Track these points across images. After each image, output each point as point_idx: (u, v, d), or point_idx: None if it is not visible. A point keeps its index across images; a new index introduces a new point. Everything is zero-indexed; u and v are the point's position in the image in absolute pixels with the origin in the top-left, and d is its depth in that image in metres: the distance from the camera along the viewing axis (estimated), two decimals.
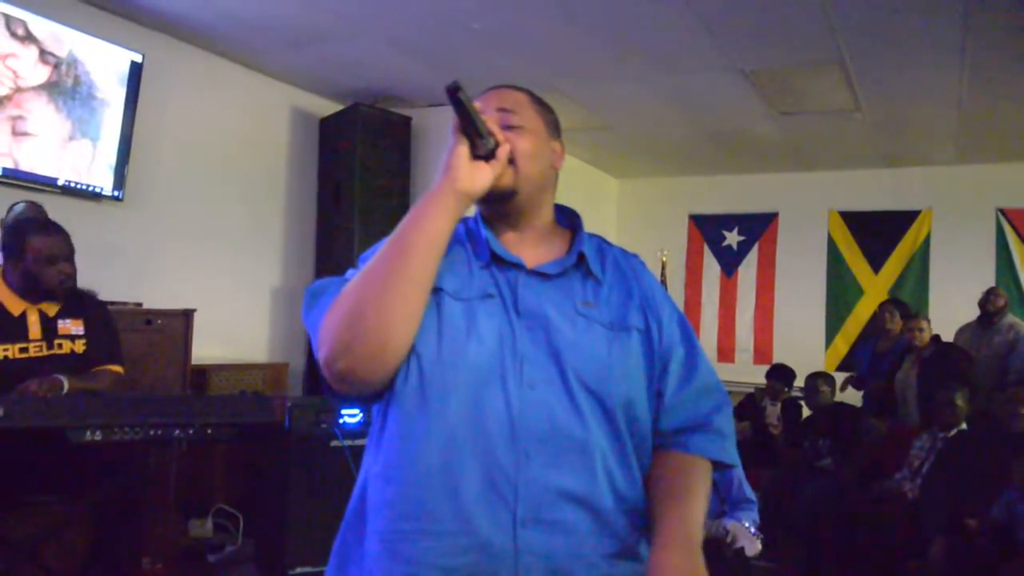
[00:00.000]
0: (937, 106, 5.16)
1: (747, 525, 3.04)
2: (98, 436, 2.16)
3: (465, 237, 1.21)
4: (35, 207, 3.37)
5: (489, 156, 1.13)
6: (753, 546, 3.01)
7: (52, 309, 2.72)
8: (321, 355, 1.07)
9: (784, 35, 4.12)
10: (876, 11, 3.76)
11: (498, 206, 1.20)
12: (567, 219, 1.31)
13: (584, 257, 1.21)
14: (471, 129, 1.11)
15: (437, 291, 1.12)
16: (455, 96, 1.09)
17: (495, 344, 1.10)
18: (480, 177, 1.12)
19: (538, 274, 1.18)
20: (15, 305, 2.66)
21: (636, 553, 1.13)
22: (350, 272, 1.19)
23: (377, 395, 1.13)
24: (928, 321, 4.92)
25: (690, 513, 1.11)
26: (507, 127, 1.18)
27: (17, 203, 3.41)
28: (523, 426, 1.06)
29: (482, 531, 1.04)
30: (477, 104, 1.17)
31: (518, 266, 1.17)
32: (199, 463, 3.76)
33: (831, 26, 3.95)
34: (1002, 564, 3.04)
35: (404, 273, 1.06)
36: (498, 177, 1.14)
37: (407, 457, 1.07)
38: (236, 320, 4.93)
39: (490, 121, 1.15)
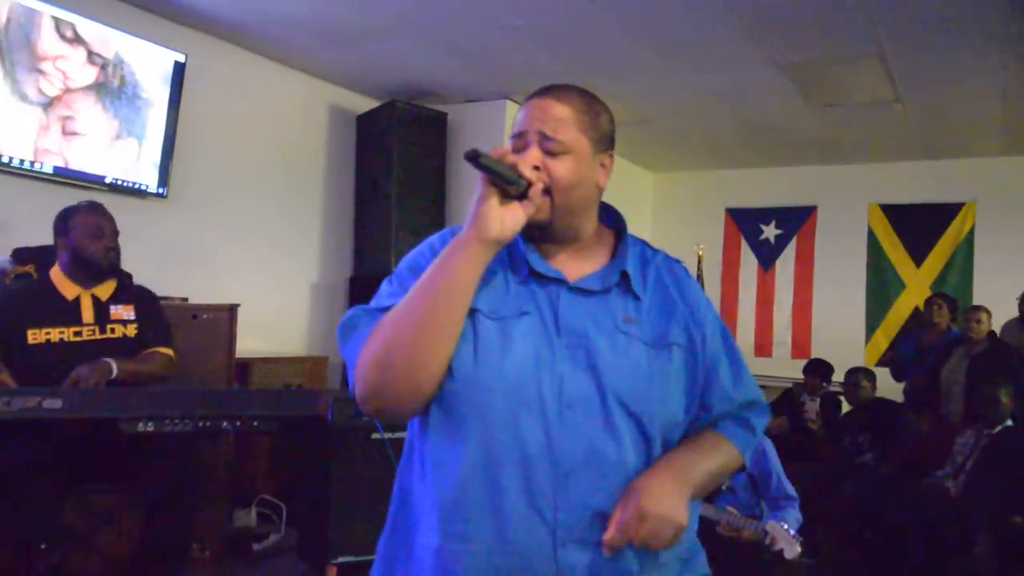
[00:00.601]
0: (980, 96, 5.05)
1: (786, 527, 3.01)
2: (150, 427, 2.24)
3: (504, 251, 1.17)
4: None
5: (522, 196, 1.12)
6: (792, 549, 2.98)
7: (104, 293, 2.82)
8: (356, 393, 1.10)
9: (822, 27, 4.08)
10: (916, 1, 3.71)
11: (534, 232, 1.19)
12: (612, 220, 1.29)
13: (627, 276, 1.20)
14: (499, 182, 1.10)
15: (472, 312, 1.12)
16: (476, 163, 1.08)
17: (532, 363, 1.10)
18: (511, 219, 1.10)
19: (579, 290, 1.17)
20: (69, 290, 2.77)
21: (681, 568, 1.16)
22: (383, 288, 1.19)
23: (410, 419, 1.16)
24: (988, 313, 4.82)
25: (695, 460, 1.14)
26: (548, 153, 1.15)
27: (74, 211, 3.51)
28: (561, 448, 1.08)
29: (524, 550, 1.06)
30: (516, 121, 1.18)
31: (559, 281, 1.17)
32: (243, 455, 3.85)
33: (870, 17, 3.90)
34: None
35: (433, 322, 1.07)
36: (538, 210, 1.13)
37: (447, 479, 1.09)
38: (276, 314, 5.01)
39: (523, 160, 1.13)
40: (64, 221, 2.80)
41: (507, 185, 1.10)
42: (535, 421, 1.08)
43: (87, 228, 2.77)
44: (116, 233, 2.86)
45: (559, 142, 1.15)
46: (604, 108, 1.26)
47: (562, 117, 1.17)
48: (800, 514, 3.18)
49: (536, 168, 1.13)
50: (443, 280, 1.08)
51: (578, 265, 1.20)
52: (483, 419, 1.09)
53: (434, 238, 1.24)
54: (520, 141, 1.16)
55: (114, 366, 2.59)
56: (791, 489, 3.25)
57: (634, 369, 1.13)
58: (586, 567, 1.06)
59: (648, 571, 1.12)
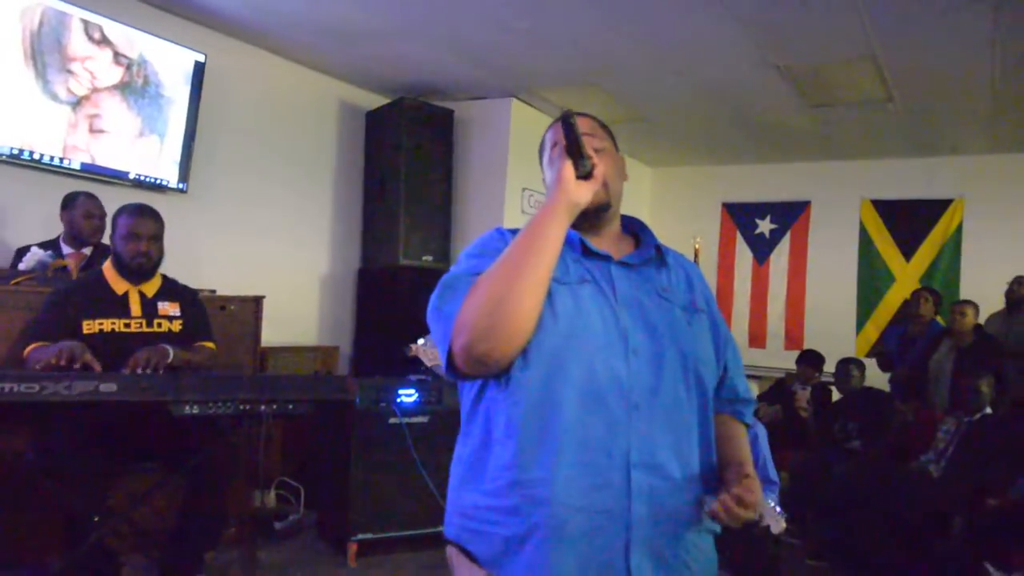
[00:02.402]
0: (969, 96, 5.23)
1: (772, 504, 3.25)
2: (196, 410, 2.42)
3: None
4: (89, 197, 3.69)
5: (588, 176, 1.34)
6: (778, 524, 3.22)
7: (150, 290, 3.01)
8: (460, 341, 1.25)
9: (817, 30, 4.24)
10: (908, 4, 3.87)
11: (592, 218, 1.43)
12: (631, 226, 1.55)
13: (660, 250, 1.46)
14: (576, 151, 1.32)
15: None
16: (568, 123, 1.31)
17: (599, 319, 1.32)
18: (584, 192, 1.33)
19: (624, 264, 1.41)
20: (119, 285, 2.96)
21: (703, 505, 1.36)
22: (467, 267, 1.36)
23: (501, 372, 1.31)
24: (974, 306, 5.02)
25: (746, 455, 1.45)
26: (595, 150, 1.40)
27: (77, 194, 3.71)
28: (632, 384, 1.29)
29: (603, 470, 1.26)
30: (549, 137, 1.42)
31: (607, 258, 1.41)
32: (260, 438, 4.04)
33: (862, 20, 4.07)
34: (1019, 540, 3.21)
35: (531, 271, 1.25)
36: (596, 194, 1.36)
37: (536, 418, 1.27)
38: (289, 305, 5.15)
39: (587, 146, 1.36)
40: (114, 220, 2.99)
41: (579, 159, 1.32)
42: (611, 362, 1.29)
43: (123, 231, 2.95)
44: (155, 237, 3.00)
45: (599, 139, 1.45)
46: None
47: (593, 125, 1.48)
48: (778, 497, 3.40)
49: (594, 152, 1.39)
50: (537, 237, 1.27)
51: (617, 247, 1.46)
52: (567, 364, 1.27)
53: (491, 232, 1.45)
54: (559, 149, 1.40)
55: (171, 352, 2.79)
56: (774, 475, 3.48)
57: (679, 326, 1.37)
58: (649, 489, 1.27)
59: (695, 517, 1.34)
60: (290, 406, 2.57)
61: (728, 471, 1.38)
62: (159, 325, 2.95)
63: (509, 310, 1.23)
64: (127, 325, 2.88)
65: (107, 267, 2.99)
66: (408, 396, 3.69)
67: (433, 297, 1.35)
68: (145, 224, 2.96)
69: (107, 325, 2.84)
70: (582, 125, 1.41)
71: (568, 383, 1.27)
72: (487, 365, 1.27)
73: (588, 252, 1.40)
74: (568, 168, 1.32)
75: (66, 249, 3.63)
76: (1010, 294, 5.18)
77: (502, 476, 1.29)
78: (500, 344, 1.24)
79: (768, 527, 3.26)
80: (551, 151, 1.48)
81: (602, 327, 1.32)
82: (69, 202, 3.65)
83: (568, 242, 1.39)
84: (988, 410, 4.06)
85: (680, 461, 1.32)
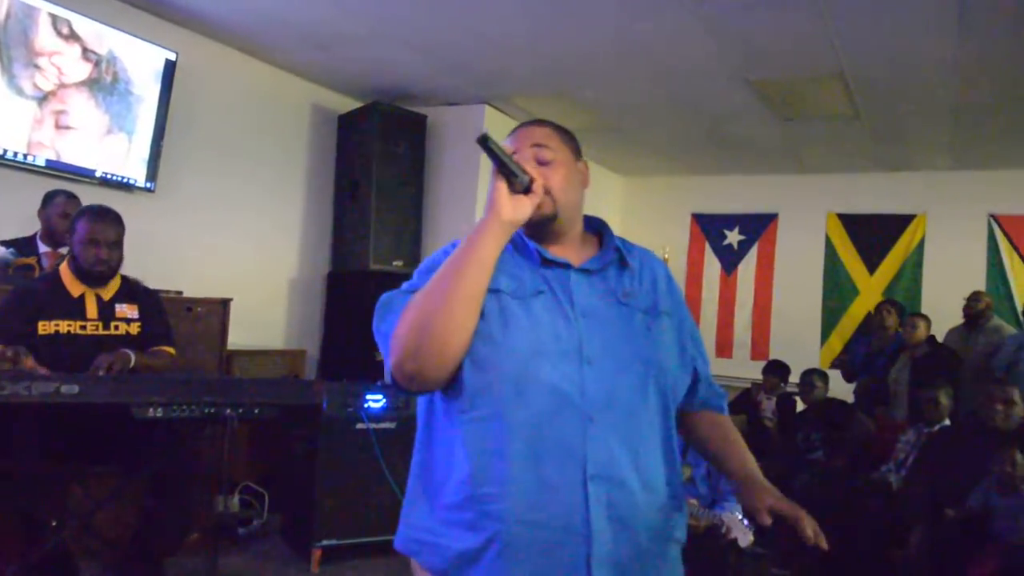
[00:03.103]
0: (932, 114, 5.36)
1: (741, 518, 3.27)
2: (159, 413, 2.39)
3: (514, 249, 1.41)
4: (69, 197, 3.62)
5: (527, 191, 1.34)
6: (746, 538, 3.24)
7: (107, 293, 2.95)
8: (392, 360, 1.26)
9: (788, 46, 4.32)
10: (875, 26, 3.96)
11: (542, 228, 1.41)
12: (593, 227, 1.54)
13: (620, 251, 1.45)
14: (506, 171, 1.31)
15: (498, 292, 1.33)
16: (486, 146, 1.27)
17: (552, 330, 1.31)
18: (521, 208, 1.32)
19: (583, 271, 1.40)
20: (75, 287, 2.90)
21: (672, 519, 1.37)
22: (408, 284, 1.38)
23: (441, 386, 1.31)
24: (926, 319, 5.13)
25: (751, 458, 1.48)
26: (542, 162, 1.40)
27: (57, 192, 3.64)
28: (586, 395, 1.28)
29: (557, 484, 1.25)
30: (507, 145, 1.41)
31: (566, 266, 1.40)
32: (225, 443, 3.99)
33: (832, 39, 4.15)
34: (976, 551, 3.28)
35: (460, 291, 1.25)
36: (538, 206, 1.35)
37: (489, 433, 1.27)
38: (256, 308, 5.11)
39: (524, 160, 1.36)
40: (74, 222, 2.91)
41: (512, 176, 1.30)
42: (563, 374, 1.28)
43: (82, 235, 2.86)
44: (115, 243, 2.93)
45: (550, 150, 1.41)
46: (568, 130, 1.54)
47: (547, 134, 1.45)
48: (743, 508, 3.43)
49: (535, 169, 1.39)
50: (468, 253, 1.28)
51: (577, 254, 1.44)
52: (519, 382, 1.27)
53: (447, 246, 1.45)
54: (516, 156, 1.38)
55: (133, 357, 2.74)
56: None
57: (638, 333, 1.37)
58: (607, 501, 1.26)
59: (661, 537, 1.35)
60: (256, 410, 2.55)
61: (751, 486, 1.40)
62: (116, 328, 2.89)
63: (437, 329, 1.23)
64: (83, 327, 2.82)
65: (64, 268, 2.93)
66: (376, 401, 3.68)
67: (374, 316, 1.35)
68: (105, 230, 2.88)
69: (63, 327, 2.78)
70: (535, 134, 1.43)
71: (520, 396, 1.27)
72: (419, 383, 1.27)
73: (546, 261, 1.40)
74: (501, 186, 1.31)
75: (42, 247, 3.55)
76: (968, 309, 5.31)
77: (458, 491, 1.28)
78: (429, 362, 1.24)
79: (735, 539, 3.28)
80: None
81: (554, 338, 1.31)
82: (48, 200, 3.59)
83: (526, 253, 1.40)
84: (947, 421, 4.14)
85: (639, 472, 1.30)
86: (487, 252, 1.28)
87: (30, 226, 3.72)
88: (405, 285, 1.39)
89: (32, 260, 3.31)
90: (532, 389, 1.27)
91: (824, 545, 1.29)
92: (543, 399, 1.27)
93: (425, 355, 1.23)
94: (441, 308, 1.24)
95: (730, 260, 7.67)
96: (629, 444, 1.30)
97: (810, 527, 1.30)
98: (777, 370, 5.73)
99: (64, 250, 3.57)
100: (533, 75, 5.13)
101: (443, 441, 1.33)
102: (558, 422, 1.26)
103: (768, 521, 1.30)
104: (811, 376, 5.22)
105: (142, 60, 4.33)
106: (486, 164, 5.25)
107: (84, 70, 4.10)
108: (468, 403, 1.29)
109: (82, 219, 2.90)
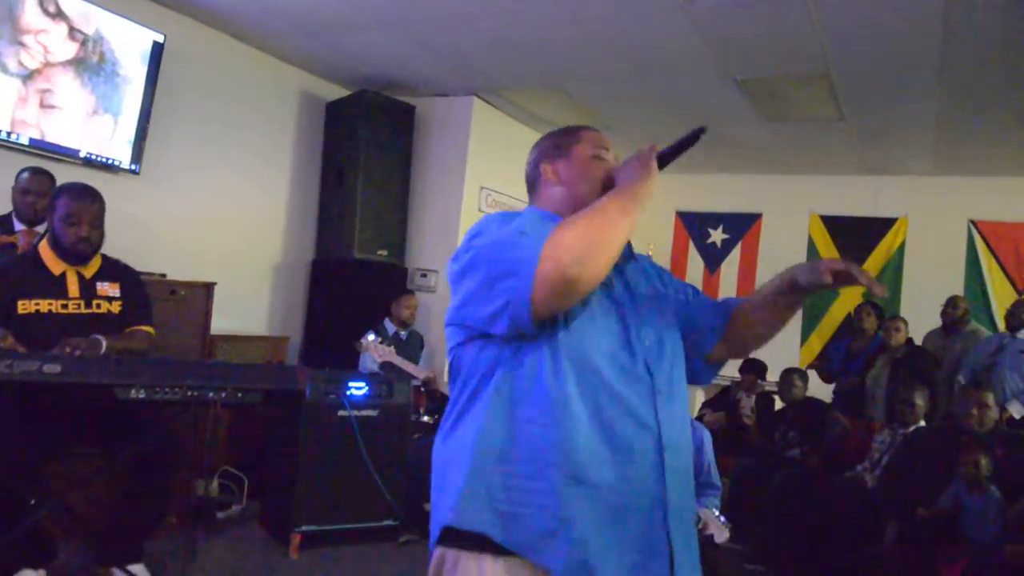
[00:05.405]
0: (915, 120, 5.42)
1: (717, 513, 3.30)
2: (142, 395, 2.38)
3: None
4: (34, 173, 3.57)
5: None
6: (722, 534, 3.26)
7: (89, 272, 2.93)
8: (548, 267, 1.24)
9: (776, 48, 4.36)
10: (862, 29, 4.01)
11: None
12: None
13: (630, 245, 1.57)
14: (671, 160, 1.50)
15: None
16: (699, 138, 1.53)
17: (602, 314, 1.40)
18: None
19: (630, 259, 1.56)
20: (56, 266, 2.87)
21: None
22: (517, 225, 1.36)
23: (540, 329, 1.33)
24: (905, 322, 5.18)
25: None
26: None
27: (25, 169, 3.61)
28: (655, 372, 1.40)
29: (641, 455, 1.34)
30: (594, 145, 1.57)
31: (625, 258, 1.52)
32: (206, 427, 3.98)
33: (819, 41, 4.20)
34: (947, 548, 3.34)
35: (626, 220, 1.34)
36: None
37: (566, 409, 1.31)
38: (240, 293, 5.10)
39: (609, 160, 1.55)
40: (53, 199, 2.88)
41: (668, 161, 1.53)
42: (627, 352, 1.39)
43: (62, 213, 2.84)
44: (96, 221, 2.90)
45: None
46: None
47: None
48: (720, 503, 3.47)
49: None
50: (633, 199, 1.39)
51: None
52: (587, 354, 1.35)
53: (528, 213, 1.46)
54: (607, 155, 1.58)
55: (103, 343, 2.72)
56: (718, 480, 3.54)
57: (660, 316, 1.50)
58: (675, 468, 1.37)
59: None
60: (239, 395, 2.55)
61: (795, 269, 1.51)
62: (98, 306, 2.88)
63: (607, 236, 1.30)
64: (64, 306, 2.81)
65: (43, 246, 2.90)
66: (358, 389, 3.68)
67: (487, 252, 1.34)
68: (86, 209, 2.86)
69: (43, 306, 2.77)
70: (605, 140, 1.59)
71: (595, 373, 1.34)
72: (570, 294, 1.29)
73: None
74: (654, 164, 1.47)
75: (18, 226, 3.52)
76: (945, 314, 5.38)
77: (540, 458, 1.29)
78: (591, 270, 1.28)
79: (712, 535, 3.31)
80: (594, 150, 1.57)
81: (605, 322, 1.40)
82: (16, 178, 3.55)
83: None
84: (922, 423, 4.21)
85: (687, 440, 1.45)
86: (636, 211, 1.37)
87: (11, 204, 3.69)
88: (515, 225, 1.37)
89: (15, 239, 3.29)
90: (607, 365, 1.36)
91: (880, 292, 1.43)
92: (616, 378, 1.36)
93: (592, 260, 1.28)
94: (613, 223, 1.32)
95: (714, 258, 7.72)
96: (681, 416, 1.44)
97: (864, 276, 1.39)
98: (755, 369, 5.76)
99: (41, 228, 3.54)
100: (523, 69, 5.14)
101: (511, 408, 1.33)
102: (635, 397, 1.36)
103: (829, 279, 1.41)
104: (791, 375, 5.28)
105: (129, 41, 4.29)
106: (473, 156, 5.30)
107: (70, 49, 4.06)
108: (544, 371, 1.33)
109: (61, 197, 2.87)
